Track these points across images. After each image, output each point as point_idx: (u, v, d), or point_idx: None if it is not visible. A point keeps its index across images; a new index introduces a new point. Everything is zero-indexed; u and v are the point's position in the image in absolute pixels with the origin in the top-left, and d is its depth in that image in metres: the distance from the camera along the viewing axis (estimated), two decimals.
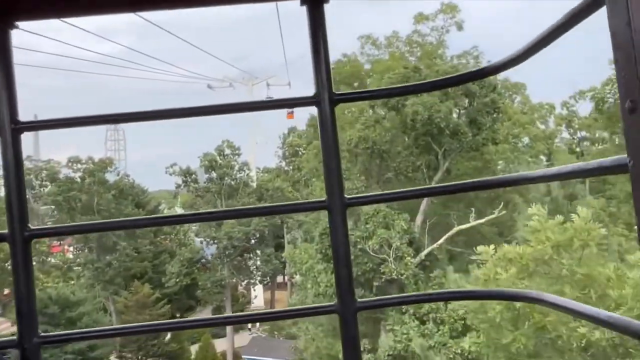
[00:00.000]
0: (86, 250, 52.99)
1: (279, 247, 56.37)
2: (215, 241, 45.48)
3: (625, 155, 1.10)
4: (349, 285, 1.90)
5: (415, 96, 28.89)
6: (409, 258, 27.33)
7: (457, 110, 31.74)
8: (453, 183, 2.33)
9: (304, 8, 1.89)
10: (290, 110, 69.75)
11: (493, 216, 29.26)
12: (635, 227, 1.13)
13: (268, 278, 52.86)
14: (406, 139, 32.72)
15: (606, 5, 1.12)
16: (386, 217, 27.80)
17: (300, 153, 68.10)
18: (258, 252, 48.91)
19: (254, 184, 55.76)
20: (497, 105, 31.79)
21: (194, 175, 50.35)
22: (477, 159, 34.23)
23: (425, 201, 31.18)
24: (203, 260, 48.74)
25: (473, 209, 29.82)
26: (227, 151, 51.61)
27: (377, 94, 3.77)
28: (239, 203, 47.65)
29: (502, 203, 28.98)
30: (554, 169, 1.64)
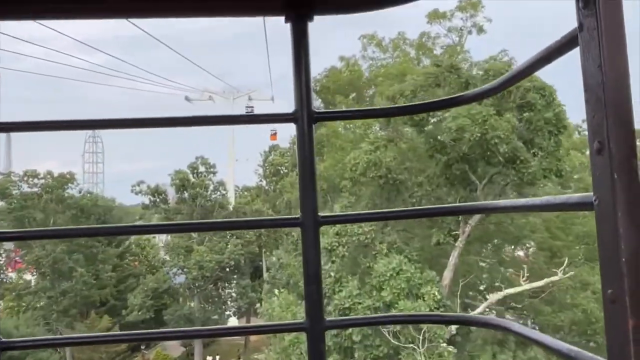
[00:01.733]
0: (38, 276, 47.16)
1: (257, 274, 51.29)
2: (184, 270, 40.25)
3: (592, 193, 1.13)
4: (318, 304, 1.90)
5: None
6: (444, 345, 19.17)
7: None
8: (424, 207, 3.21)
9: (289, 25, 1.93)
10: (273, 131, 67.63)
11: (556, 278, 21.11)
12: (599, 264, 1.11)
13: (243, 309, 47.58)
14: (433, 166, 24.40)
15: (579, 46, 1.14)
16: (410, 281, 19.96)
17: (282, 172, 63.91)
18: (233, 282, 43.66)
19: (231, 206, 50.71)
20: (562, 124, 23.00)
21: (163, 195, 45.19)
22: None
23: (456, 252, 23.55)
24: (170, 291, 43.31)
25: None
26: (202, 169, 46.69)
27: (358, 114, 3.85)
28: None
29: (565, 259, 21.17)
30: (521, 201, 1.68)
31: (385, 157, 23.86)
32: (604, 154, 1.06)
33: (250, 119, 2.24)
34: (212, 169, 46.85)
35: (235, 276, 44.09)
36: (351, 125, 28.94)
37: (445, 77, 22.71)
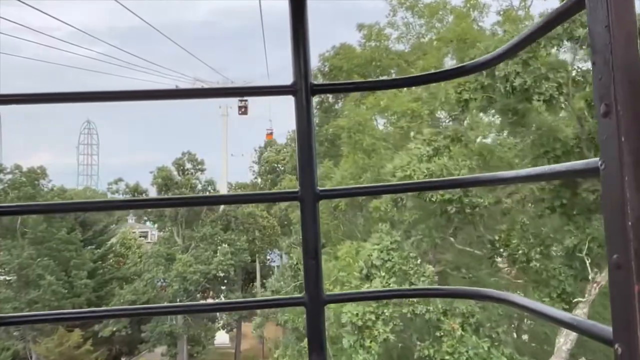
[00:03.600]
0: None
1: (248, 285, 46.25)
2: (165, 282, 35.05)
3: (597, 159, 1.11)
4: (317, 278, 1.88)
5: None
6: None
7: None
8: (421, 181, 2.43)
9: (287, 16, 1.88)
10: (269, 130, 64.10)
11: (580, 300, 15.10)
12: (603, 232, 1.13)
13: (233, 323, 42.46)
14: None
15: (586, 7, 1.13)
16: None
17: (278, 170, 59.36)
18: (222, 296, 38.41)
19: (222, 207, 45.51)
20: None
21: (144, 195, 39.95)
22: None
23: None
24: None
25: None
26: (188, 165, 41.47)
27: (359, 86, 3.27)
28: (198, 234, 37.37)
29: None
30: (525, 171, 1.67)
31: (458, 167, 15.33)
32: (611, 117, 1.05)
33: (248, 90, 2.27)
34: (200, 166, 41.69)
35: (224, 287, 38.91)
36: (390, 115, 20.97)
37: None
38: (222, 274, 36.54)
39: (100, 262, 51.10)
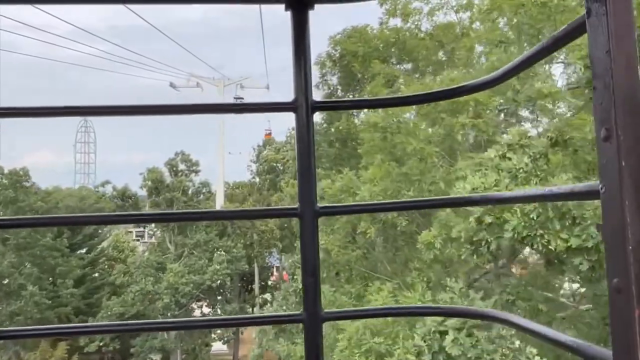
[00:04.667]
0: None
1: (246, 293, 43.39)
2: (155, 296, 32.15)
3: (598, 182, 1.13)
4: (315, 295, 1.88)
5: None
6: None
7: None
8: (423, 199, 3.63)
9: (289, 14, 1.88)
10: (268, 130, 61.75)
11: None
12: (604, 252, 1.12)
13: (231, 334, 39.57)
14: None
15: (587, 32, 1.14)
16: None
17: (277, 169, 56.58)
18: (218, 308, 35.44)
19: (217, 208, 42.56)
20: None
21: (133, 199, 37.07)
22: None
23: None
24: (140, 317, 35.12)
25: None
26: (182, 166, 38.56)
27: (359, 104, 4.21)
28: (192, 240, 34.46)
29: None
30: (522, 191, 1.76)
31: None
32: (612, 141, 1.06)
33: (248, 107, 2.07)
34: (194, 167, 38.79)
35: (219, 298, 36.02)
36: (434, 107, 14.57)
37: None
38: (217, 285, 33.67)
39: (90, 268, 48.49)
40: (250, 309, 37.69)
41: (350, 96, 22.17)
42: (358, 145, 17.72)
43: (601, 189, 1.10)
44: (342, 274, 17.83)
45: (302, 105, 1.84)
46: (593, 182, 1.16)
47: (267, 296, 52.53)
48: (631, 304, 1.01)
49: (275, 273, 55.54)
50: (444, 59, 20.56)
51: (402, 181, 15.25)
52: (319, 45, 20.32)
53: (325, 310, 1.89)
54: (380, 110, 14.96)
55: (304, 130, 1.86)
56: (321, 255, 14.70)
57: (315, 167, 1.90)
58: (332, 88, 22.30)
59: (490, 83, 1.71)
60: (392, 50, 20.32)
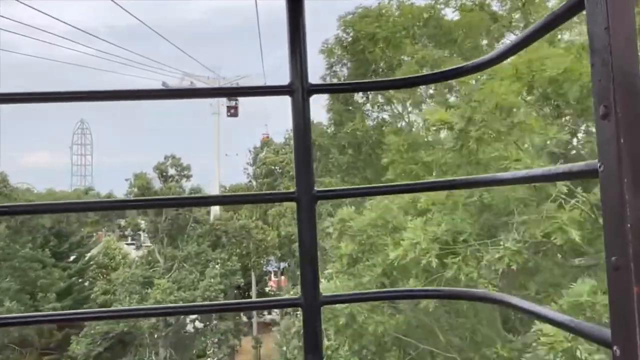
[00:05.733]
0: None
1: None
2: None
3: (596, 160, 1.12)
4: (314, 279, 1.86)
5: None
6: None
7: None
8: (419, 182, 2.42)
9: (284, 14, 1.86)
10: (265, 134, 59.56)
11: None
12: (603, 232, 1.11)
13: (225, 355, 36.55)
14: None
15: (585, 9, 1.13)
16: None
17: (275, 172, 53.76)
18: (210, 327, 32.41)
19: (212, 216, 39.62)
20: None
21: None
22: None
23: None
24: (127, 337, 32.09)
25: None
26: (172, 171, 35.62)
27: (356, 86, 3.86)
28: (182, 253, 31.49)
29: None
30: (523, 172, 1.60)
31: None
32: (610, 118, 1.05)
33: (244, 91, 2.07)
34: (185, 172, 35.81)
35: (213, 315, 33.04)
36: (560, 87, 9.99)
37: None
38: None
39: (77, 277, 45.66)
40: (246, 327, 34.81)
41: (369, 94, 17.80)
42: (379, 152, 14.14)
43: (600, 167, 1.09)
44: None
45: (298, 89, 1.81)
46: (591, 161, 1.14)
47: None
48: (630, 281, 0.99)
49: (273, 278, 52.93)
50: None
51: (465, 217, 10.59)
52: (324, 30, 16.91)
53: (324, 294, 1.87)
54: (486, 88, 10.60)
55: (301, 113, 1.82)
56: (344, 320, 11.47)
57: (312, 151, 1.87)
58: (342, 80, 18.05)
59: (494, 61, 1.66)
60: (424, 30, 15.95)
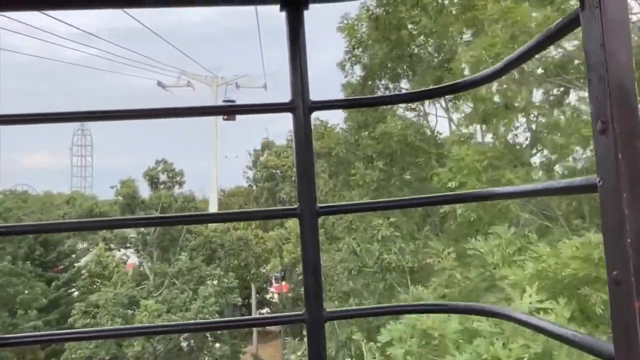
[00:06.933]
0: None
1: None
2: (122, 345, 25.84)
3: (595, 176, 1.13)
4: (317, 294, 1.85)
5: None
6: None
7: None
8: (424, 196, 2.33)
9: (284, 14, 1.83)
10: (266, 138, 56.16)
11: None
12: (602, 246, 1.11)
13: None
14: None
15: (581, 26, 1.14)
16: None
17: (277, 176, 50.73)
18: (204, 355, 29.07)
19: (206, 226, 36.36)
20: None
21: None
22: None
23: None
24: None
25: None
26: (163, 177, 32.43)
27: (354, 102, 3.61)
28: (173, 269, 28.25)
29: None
30: (522, 187, 1.64)
31: None
32: (608, 134, 1.06)
33: (245, 109, 2.02)
34: (177, 178, 32.62)
35: (209, 337, 29.83)
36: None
37: None
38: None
39: (66, 289, 42.58)
40: (244, 344, 31.62)
41: (410, 85, 13.79)
42: (425, 168, 10.67)
43: (599, 182, 1.09)
44: None
45: (299, 106, 1.82)
46: (591, 176, 1.15)
47: (266, 311, 46.70)
48: (631, 295, 0.99)
49: (274, 283, 50.13)
50: None
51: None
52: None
53: (328, 309, 1.86)
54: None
55: (302, 130, 1.83)
56: None
57: (314, 167, 1.88)
58: (367, 69, 13.43)
59: (491, 77, 1.67)
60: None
